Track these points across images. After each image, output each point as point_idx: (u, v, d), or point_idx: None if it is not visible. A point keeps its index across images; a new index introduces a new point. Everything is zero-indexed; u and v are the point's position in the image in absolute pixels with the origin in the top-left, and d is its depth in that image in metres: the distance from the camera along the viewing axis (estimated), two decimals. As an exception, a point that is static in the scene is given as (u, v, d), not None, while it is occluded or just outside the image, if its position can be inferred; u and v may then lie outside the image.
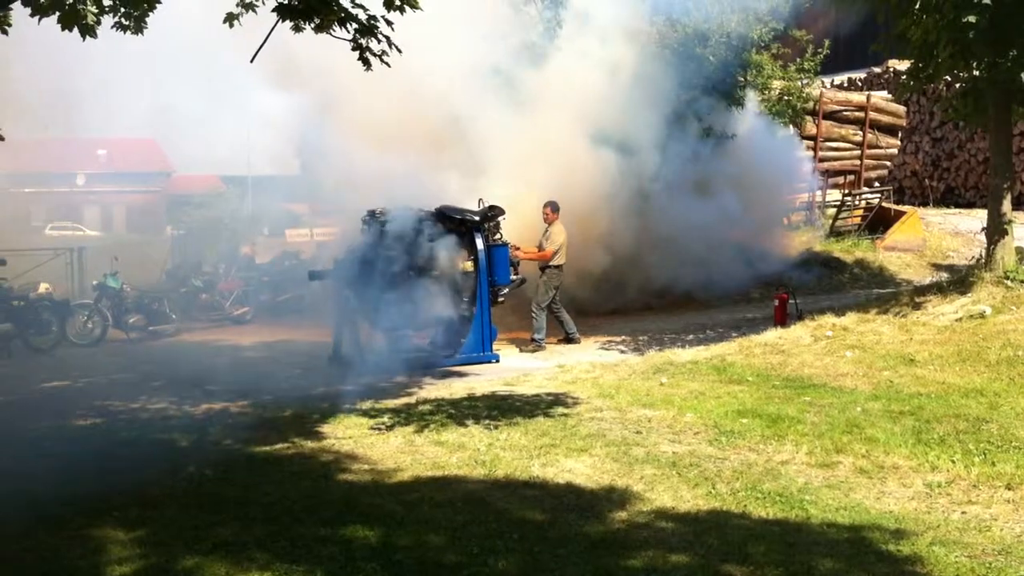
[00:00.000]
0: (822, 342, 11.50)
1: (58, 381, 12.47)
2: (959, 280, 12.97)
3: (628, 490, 6.65)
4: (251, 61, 8.10)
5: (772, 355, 11.34)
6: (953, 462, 7.05)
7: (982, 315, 11.34)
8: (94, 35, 7.77)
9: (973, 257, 15.20)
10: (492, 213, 12.65)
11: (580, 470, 7.16)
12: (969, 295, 12.02)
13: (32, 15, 7.66)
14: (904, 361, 10.42)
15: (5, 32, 8.05)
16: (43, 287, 16.77)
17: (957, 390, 9.33)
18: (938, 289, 12.83)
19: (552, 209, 13.99)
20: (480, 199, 12.81)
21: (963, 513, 6.08)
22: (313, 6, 7.59)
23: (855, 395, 9.42)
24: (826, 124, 23.10)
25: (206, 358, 13.99)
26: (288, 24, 7.71)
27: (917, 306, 12.20)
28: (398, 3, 7.82)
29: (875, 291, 16.96)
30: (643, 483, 6.80)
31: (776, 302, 13.83)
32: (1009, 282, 12.00)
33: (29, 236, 21.59)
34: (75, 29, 7.70)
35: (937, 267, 19.16)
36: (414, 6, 7.88)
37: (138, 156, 43.84)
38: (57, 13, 7.67)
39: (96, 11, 7.68)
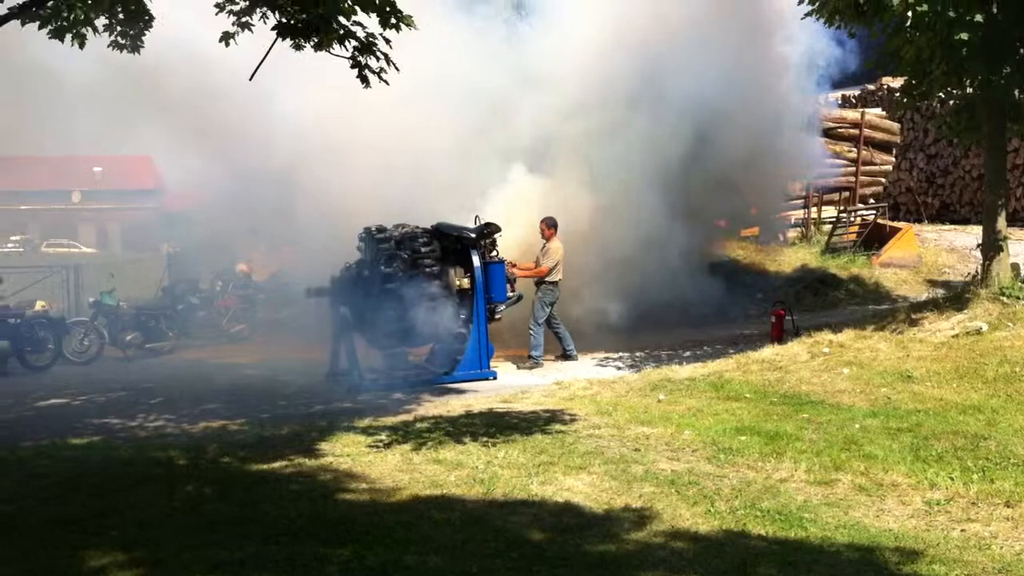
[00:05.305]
0: (819, 358, 11.50)
1: (55, 399, 12.44)
2: (955, 297, 13.00)
3: (627, 508, 6.64)
4: (250, 79, 8.14)
5: (769, 372, 11.34)
6: (952, 479, 7.06)
7: (979, 331, 11.36)
8: (82, 45, 7.86)
9: (969, 273, 15.22)
10: (488, 230, 12.66)
11: (579, 488, 7.15)
12: (965, 312, 12.03)
13: (25, 21, 7.70)
14: (901, 378, 10.43)
15: None
16: (39, 304, 16.76)
17: (955, 407, 9.33)
18: (934, 306, 12.84)
19: (548, 225, 13.99)
20: (476, 216, 12.84)
21: (963, 531, 6.08)
22: (313, 24, 7.64)
23: (853, 412, 9.43)
24: (821, 141, 23.15)
25: (203, 376, 13.97)
26: (288, 42, 7.76)
27: (914, 323, 12.22)
28: (393, 21, 7.87)
29: (871, 307, 16.98)
30: (642, 501, 6.79)
31: (773, 318, 13.84)
32: (1005, 298, 12.02)
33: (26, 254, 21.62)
34: (67, 39, 7.80)
35: (933, 283, 19.19)
36: (409, 24, 7.92)
37: (133, 173, 43.79)
38: (50, 27, 7.74)
39: (84, 23, 7.75)
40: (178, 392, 12.35)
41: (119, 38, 8.33)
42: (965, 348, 11.00)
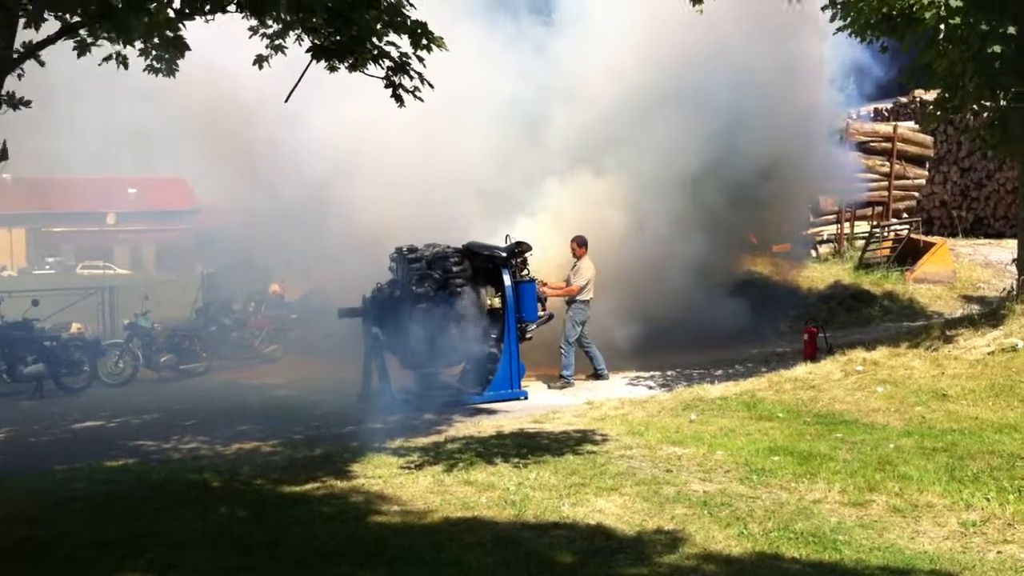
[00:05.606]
0: (853, 377, 11.40)
1: (90, 421, 12.57)
2: (990, 313, 12.86)
3: (659, 531, 6.61)
4: (285, 101, 8.21)
5: (802, 390, 11.25)
6: (988, 500, 6.98)
7: (1015, 348, 11.22)
8: (126, 65, 8.03)
9: (1004, 288, 15.06)
10: (519, 249, 12.67)
11: (610, 510, 7.13)
12: (1001, 328, 11.90)
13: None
14: (936, 396, 10.32)
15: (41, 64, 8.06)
16: (75, 327, 16.96)
17: (991, 425, 9.22)
18: (969, 322, 12.71)
19: (579, 244, 14.00)
20: (507, 235, 12.85)
21: (999, 553, 6.01)
22: (347, 46, 7.70)
23: (887, 431, 9.33)
24: (853, 155, 23.02)
25: (237, 397, 14.06)
26: (323, 64, 7.83)
27: (948, 339, 12.09)
28: (425, 42, 7.92)
29: (905, 324, 16.84)
30: (674, 523, 6.76)
31: (805, 336, 13.74)
32: (1041, 315, 11.89)
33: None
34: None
35: (968, 299, 19.01)
36: (440, 46, 7.97)
37: (168, 194, 44.27)
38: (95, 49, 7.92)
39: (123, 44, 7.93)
40: (212, 414, 12.44)
41: (154, 62, 8.44)
42: (1001, 365, 10.87)
